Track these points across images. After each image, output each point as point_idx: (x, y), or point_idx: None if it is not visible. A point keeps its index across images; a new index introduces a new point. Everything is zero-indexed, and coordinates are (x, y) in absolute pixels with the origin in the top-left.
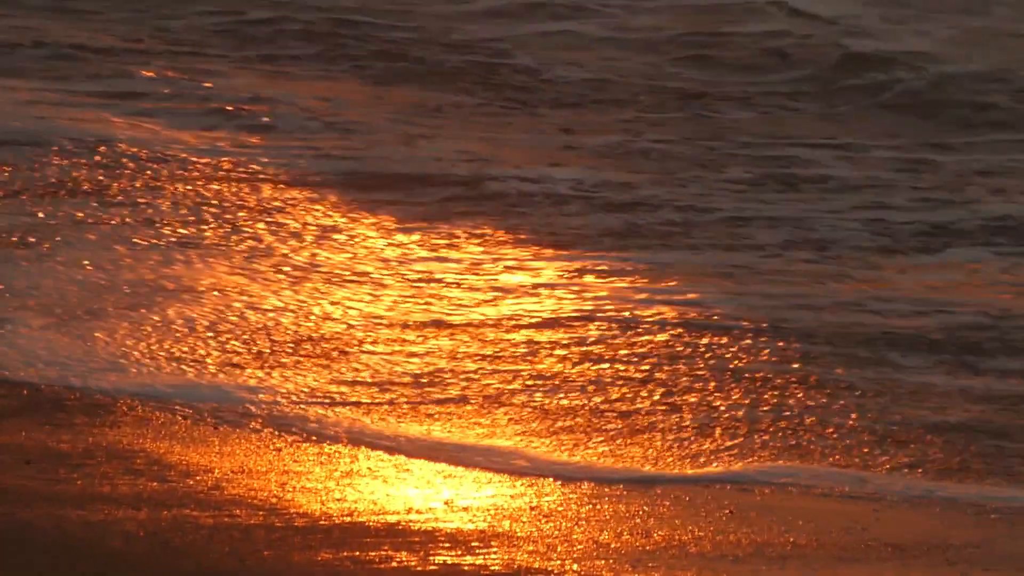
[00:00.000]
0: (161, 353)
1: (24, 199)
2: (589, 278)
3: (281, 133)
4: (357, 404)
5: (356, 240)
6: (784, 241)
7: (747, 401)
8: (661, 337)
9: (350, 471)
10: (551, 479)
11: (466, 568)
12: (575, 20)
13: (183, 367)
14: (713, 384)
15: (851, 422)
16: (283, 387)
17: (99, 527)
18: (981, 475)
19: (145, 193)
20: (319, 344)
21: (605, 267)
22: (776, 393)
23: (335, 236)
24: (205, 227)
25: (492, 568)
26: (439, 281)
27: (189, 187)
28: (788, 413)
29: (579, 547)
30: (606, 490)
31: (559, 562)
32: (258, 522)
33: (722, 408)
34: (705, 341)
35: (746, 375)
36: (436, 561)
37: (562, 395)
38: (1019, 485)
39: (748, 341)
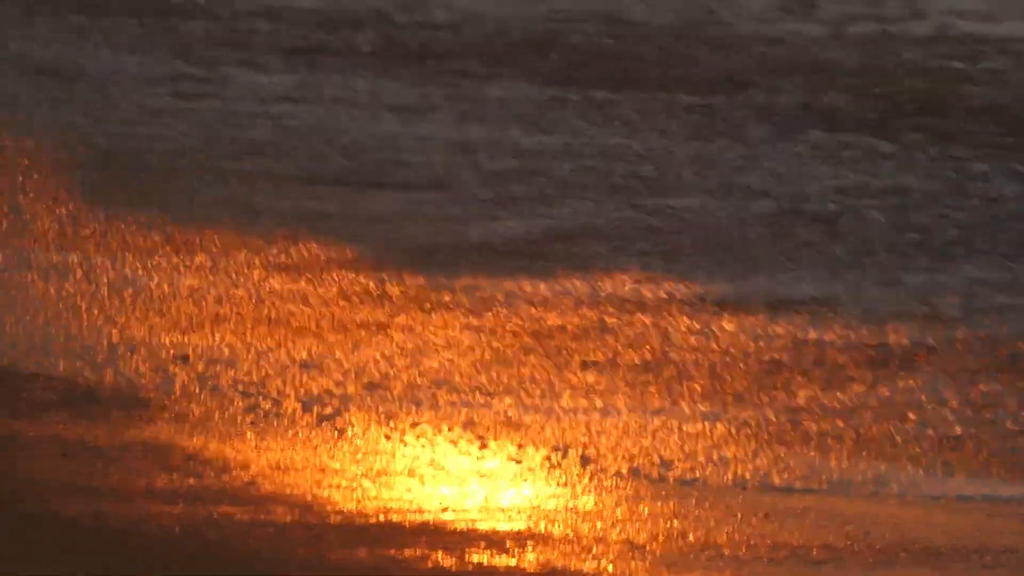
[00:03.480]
0: None
1: None
2: None
3: None
4: None
5: None
6: None
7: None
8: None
9: (385, 469)
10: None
11: (501, 569)
12: None
13: None
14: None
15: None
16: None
17: (135, 521)
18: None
19: None
20: None
21: None
22: None
23: None
24: None
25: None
26: None
27: None
28: None
29: (615, 548)
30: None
31: (595, 563)
32: (294, 519)
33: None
34: None
35: None
36: (472, 561)
37: None
38: None
39: None
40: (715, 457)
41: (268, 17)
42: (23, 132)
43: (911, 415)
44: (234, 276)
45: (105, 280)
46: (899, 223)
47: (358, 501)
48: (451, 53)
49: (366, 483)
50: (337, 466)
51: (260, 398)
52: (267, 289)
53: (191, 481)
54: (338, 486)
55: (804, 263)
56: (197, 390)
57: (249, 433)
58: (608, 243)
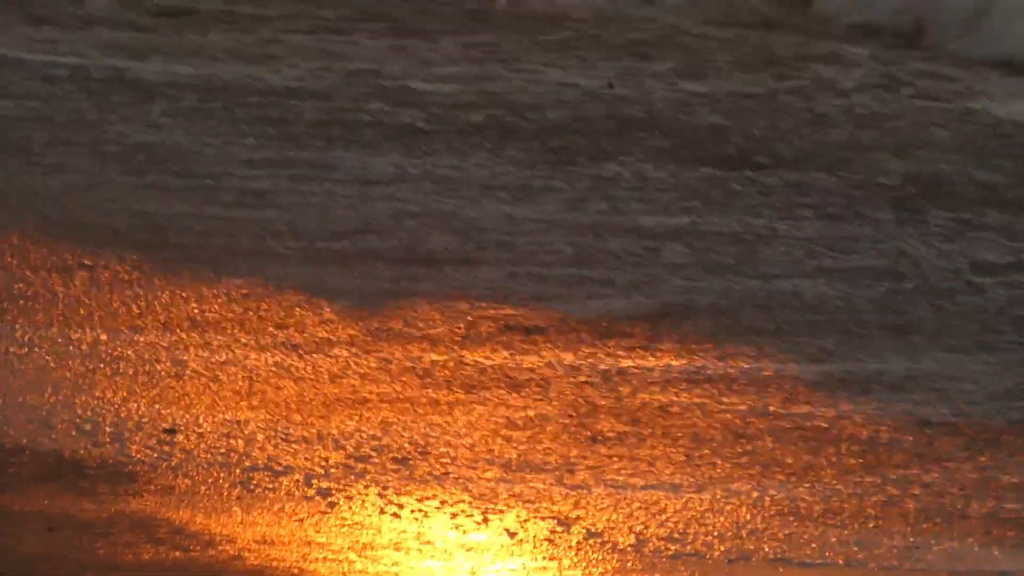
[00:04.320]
0: None
1: None
2: None
3: None
4: None
5: None
6: None
7: None
8: None
9: (372, 543)
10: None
11: None
12: None
13: None
14: None
15: None
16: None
17: None
18: None
19: None
20: None
21: None
22: None
23: None
24: None
25: None
26: None
27: None
28: None
29: None
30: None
31: None
32: None
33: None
34: None
35: None
36: None
37: None
38: None
39: None
40: (732, 533)
41: (380, 97)
42: (100, 216)
43: (984, 493)
44: (229, 350)
45: (93, 353)
46: (1021, 300)
47: (344, 574)
48: (568, 131)
49: (352, 556)
50: (323, 539)
51: (248, 471)
52: (273, 363)
53: (177, 555)
54: (324, 559)
55: (919, 342)
56: (184, 463)
57: (236, 507)
58: (719, 322)
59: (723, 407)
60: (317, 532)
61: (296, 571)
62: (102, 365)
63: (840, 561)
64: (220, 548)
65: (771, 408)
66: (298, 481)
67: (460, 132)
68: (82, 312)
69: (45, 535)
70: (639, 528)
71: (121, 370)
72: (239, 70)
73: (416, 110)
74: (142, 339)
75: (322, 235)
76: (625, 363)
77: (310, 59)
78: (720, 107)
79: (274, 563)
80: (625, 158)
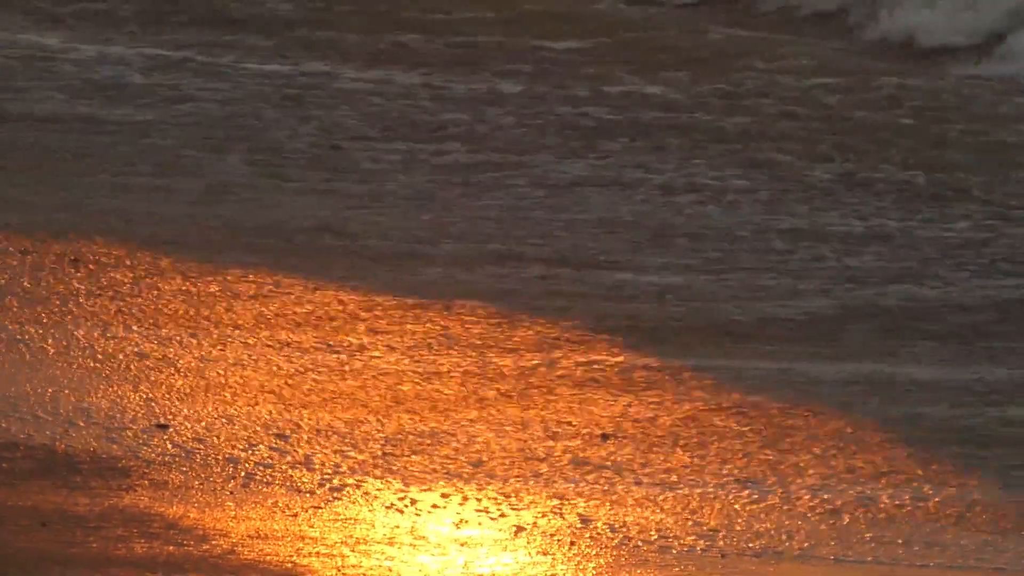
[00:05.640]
0: None
1: None
2: None
3: None
4: None
5: None
6: None
7: None
8: None
9: (365, 537)
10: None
11: None
12: None
13: None
14: None
15: None
16: None
17: None
18: None
19: None
20: None
21: None
22: None
23: None
24: None
25: None
26: None
27: None
28: None
29: None
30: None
31: None
32: None
33: None
34: None
35: None
36: None
37: None
38: None
39: None
40: (735, 527)
41: (566, 101)
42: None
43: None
44: (217, 347)
45: (84, 348)
46: None
47: (337, 569)
48: (763, 135)
49: (345, 551)
50: (316, 534)
51: (241, 466)
52: (306, 363)
53: (171, 549)
54: (317, 554)
55: None
56: (177, 458)
57: (229, 502)
58: (899, 325)
59: (891, 410)
60: (310, 527)
61: (289, 565)
62: (95, 361)
63: None
64: (213, 543)
65: (937, 410)
66: (292, 476)
67: (650, 134)
68: (79, 309)
69: (38, 530)
70: (667, 525)
71: (114, 366)
72: (422, 72)
73: (604, 110)
74: (137, 336)
75: (481, 238)
76: (774, 366)
77: (497, 63)
78: (918, 111)
79: (267, 558)
80: (820, 163)
